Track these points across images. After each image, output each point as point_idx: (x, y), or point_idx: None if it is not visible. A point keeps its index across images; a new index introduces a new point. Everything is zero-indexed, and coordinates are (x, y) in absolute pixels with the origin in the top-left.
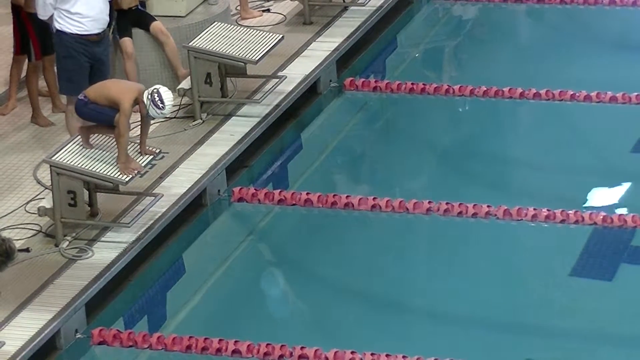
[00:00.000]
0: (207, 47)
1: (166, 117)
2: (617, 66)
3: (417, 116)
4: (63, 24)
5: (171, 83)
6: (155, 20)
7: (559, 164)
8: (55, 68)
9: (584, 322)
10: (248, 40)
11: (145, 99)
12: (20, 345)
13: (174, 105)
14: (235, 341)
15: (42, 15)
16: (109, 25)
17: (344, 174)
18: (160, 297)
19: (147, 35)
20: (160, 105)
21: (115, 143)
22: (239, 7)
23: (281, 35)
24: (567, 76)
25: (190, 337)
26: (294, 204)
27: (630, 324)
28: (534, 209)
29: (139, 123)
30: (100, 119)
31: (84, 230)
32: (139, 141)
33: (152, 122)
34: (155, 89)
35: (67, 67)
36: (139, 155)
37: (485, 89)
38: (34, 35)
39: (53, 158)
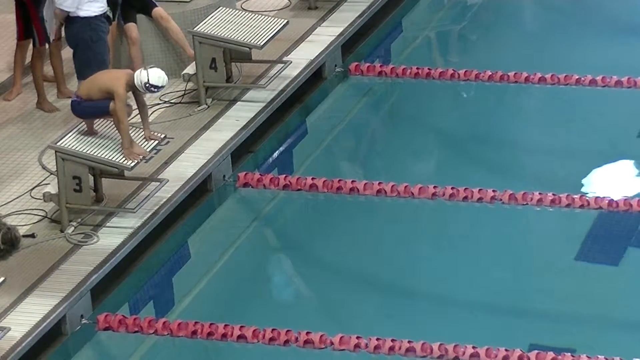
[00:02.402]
0: (212, 32)
1: (171, 103)
2: (622, 50)
3: (422, 101)
4: (89, 10)
5: (175, 67)
6: (157, 6)
7: (565, 149)
8: (62, 53)
9: (589, 306)
10: (253, 25)
11: (141, 90)
12: (26, 331)
13: (176, 81)
14: (241, 326)
15: (71, 7)
16: (115, 11)
17: (349, 159)
18: (165, 282)
19: (149, 21)
20: (155, 90)
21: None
22: None
23: (286, 20)
24: (572, 60)
25: (195, 322)
26: (299, 189)
27: (636, 308)
28: (540, 194)
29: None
30: (98, 113)
31: (89, 216)
32: (142, 127)
33: (157, 107)
34: (148, 83)
35: (98, 50)
36: (144, 140)
37: (490, 73)
38: (37, 21)
39: (58, 144)
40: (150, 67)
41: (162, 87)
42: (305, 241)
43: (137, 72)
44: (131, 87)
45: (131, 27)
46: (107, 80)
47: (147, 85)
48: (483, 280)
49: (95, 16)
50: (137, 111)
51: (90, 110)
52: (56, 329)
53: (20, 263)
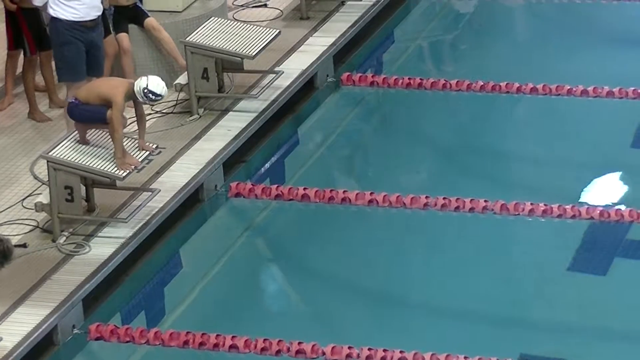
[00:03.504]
0: (204, 42)
1: (163, 113)
2: (614, 61)
3: (414, 111)
4: (58, 11)
5: (167, 78)
6: (149, 16)
7: (556, 159)
8: (52, 62)
9: (581, 316)
10: (245, 36)
11: (139, 98)
12: (18, 341)
13: (168, 91)
14: (233, 336)
15: (38, 1)
16: (106, 21)
17: (341, 169)
18: (157, 292)
19: (141, 31)
20: (153, 97)
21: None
22: (235, 2)
23: (278, 31)
24: (564, 71)
25: (187, 332)
26: (291, 199)
27: (628, 318)
28: (531, 204)
29: (135, 119)
30: (94, 118)
31: (81, 226)
32: (136, 137)
33: (149, 117)
34: (146, 89)
35: (66, 54)
36: (137, 150)
37: (482, 83)
38: (27, 31)
39: (50, 153)
40: (152, 75)
41: (161, 95)
42: (297, 251)
43: (138, 79)
44: (130, 96)
45: (123, 37)
46: (106, 88)
47: (145, 90)
48: (474, 290)
49: (65, 20)
50: (132, 120)
51: (87, 114)
52: (48, 339)
53: (12, 273)
